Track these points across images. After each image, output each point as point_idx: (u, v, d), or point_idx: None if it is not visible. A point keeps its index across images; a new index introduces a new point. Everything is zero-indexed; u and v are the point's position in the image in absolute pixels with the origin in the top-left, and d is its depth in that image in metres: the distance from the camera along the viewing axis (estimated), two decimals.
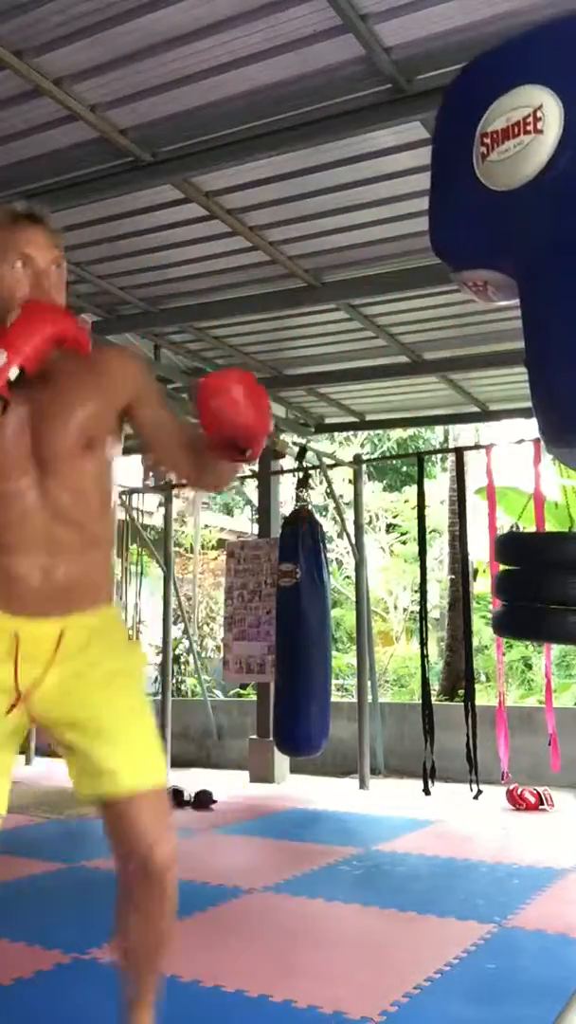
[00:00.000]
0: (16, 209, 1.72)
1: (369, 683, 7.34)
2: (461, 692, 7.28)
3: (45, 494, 1.67)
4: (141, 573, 8.57)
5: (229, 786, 6.59)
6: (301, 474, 6.68)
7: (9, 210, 1.72)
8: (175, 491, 8.06)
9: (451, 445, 11.50)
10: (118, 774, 1.66)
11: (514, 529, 4.97)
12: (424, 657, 6.32)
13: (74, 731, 1.69)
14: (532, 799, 5.80)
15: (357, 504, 7.70)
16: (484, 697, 8.63)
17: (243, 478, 9.23)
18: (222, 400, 1.56)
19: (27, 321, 1.59)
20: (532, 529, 5.73)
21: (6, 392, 1.56)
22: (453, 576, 10.27)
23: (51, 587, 1.66)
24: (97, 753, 1.67)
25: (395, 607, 13.17)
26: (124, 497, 7.78)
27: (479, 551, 7.90)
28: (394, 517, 14.04)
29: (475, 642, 6.98)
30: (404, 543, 13.66)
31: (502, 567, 4.09)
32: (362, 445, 13.95)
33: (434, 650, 10.50)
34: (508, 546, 4.26)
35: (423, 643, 6.30)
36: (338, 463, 8.66)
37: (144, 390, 1.81)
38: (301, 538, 6.21)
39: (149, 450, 1.85)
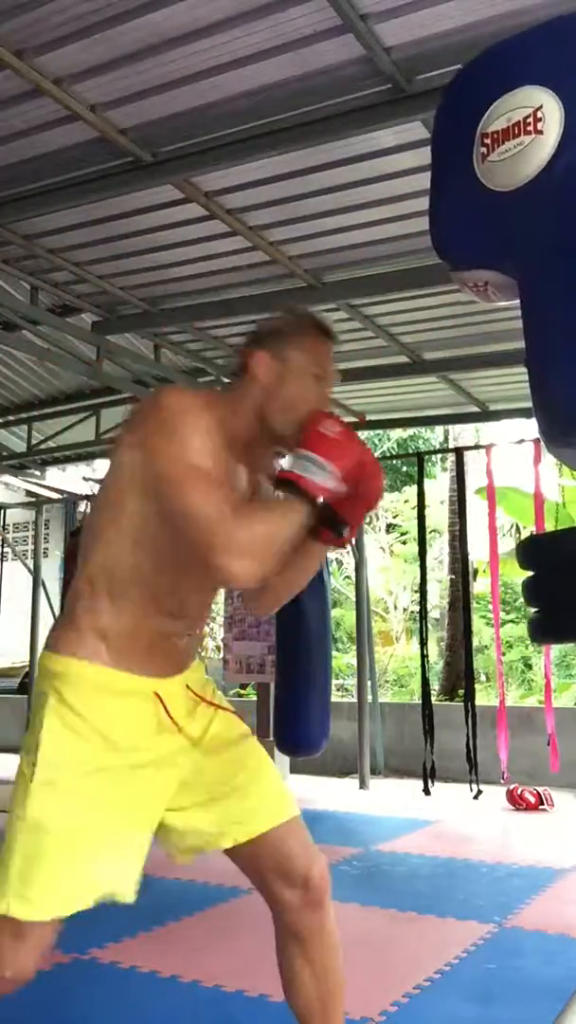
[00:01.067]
0: (323, 324, 1.74)
1: (369, 683, 7.34)
2: (461, 692, 7.29)
3: (206, 570, 1.65)
4: None
5: None
6: None
7: (316, 323, 1.73)
8: None
9: (451, 445, 11.50)
10: (265, 812, 1.69)
11: (517, 531, 4.96)
12: (424, 657, 6.32)
13: (206, 786, 1.70)
14: (532, 799, 5.80)
15: None
16: (484, 697, 8.64)
17: None
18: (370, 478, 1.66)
19: (351, 444, 1.60)
20: (532, 529, 5.73)
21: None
22: (453, 576, 10.28)
23: (187, 648, 1.73)
24: (240, 797, 1.69)
25: (395, 607, 13.18)
26: None
27: (479, 551, 7.91)
28: (394, 517, 14.05)
29: (475, 642, 6.99)
30: (404, 543, 13.67)
31: (530, 573, 4.05)
32: None
33: (434, 650, 10.50)
34: (535, 549, 4.20)
35: (423, 643, 6.31)
36: None
37: None
38: None
39: None
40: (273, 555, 1.50)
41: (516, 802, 5.82)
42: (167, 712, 1.64)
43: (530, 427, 6.53)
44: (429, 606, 6.85)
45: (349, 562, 10.86)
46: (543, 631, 4.02)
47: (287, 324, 1.72)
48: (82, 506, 8.48)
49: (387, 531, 14.18)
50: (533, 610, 3.95)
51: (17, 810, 1.53)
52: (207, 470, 1.51)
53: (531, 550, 4.21)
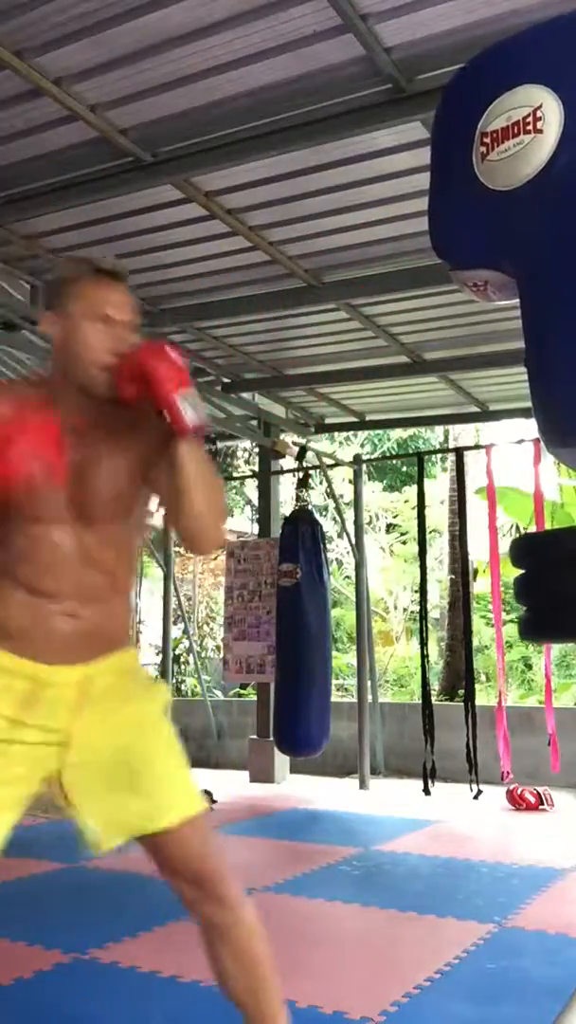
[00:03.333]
0: (100, 265, 1.72)
1: (369, 683, 7.34)
2: (461, 692, 7.28)
3: (79, 542, 1.66)
4: (141, 573, 8.57)
5: (229, 786, 6.59)
6: (301, 474, 6.69)
7: (93, 267, 1.71)
8: None
9: (451, 445, 11.49)
10: (161, 811, 1.69)
11: (517, 531, 4.96)
12: (424, 657, 6.32)
13: (105, 776, 1.70)
14: (532, 799, 5.80)
15: (357, 504, 7.70)
16: (484, 697, 8.63)
17: (243, 478, 9.22)
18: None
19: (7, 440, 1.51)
20: (533, 529, 5.73)
21: None
22: (453, 576, 10.26)
23: (76, 634, 1.67)
24: (137, 794, 1.70)
25: (395, 607, 13.17)
26: None
27: (479, 551, 7.90)
28: (394, 517, 14.04)
29: (475, 642, 6.99)
30: (404, 543, 13.66)
31: (520, 571, 4.06)
32: (362, 445, 13.94)
33: (434, 650, 10.50)
34: (525, 548, 4.21)
35: (423, 643, 6.30)
36: (338, 463, 8.66)
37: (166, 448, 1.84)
38: (301, 538, 6.21)
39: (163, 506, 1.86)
40: None
41: (516, 802, 5.82)
42: (44, 701, 1.64)
43: (530, 427, 6.53)
44: (429, 606, 6.85)
45: (349, 562, 10.86)
46: (532, 630, 4.03)
47: (63, 277, 1.71)
48: None
49: (387, 531, 14.17)
50: (526, 608, 3.96)
51: None
52: None
53: (525, 547, 4.21)
